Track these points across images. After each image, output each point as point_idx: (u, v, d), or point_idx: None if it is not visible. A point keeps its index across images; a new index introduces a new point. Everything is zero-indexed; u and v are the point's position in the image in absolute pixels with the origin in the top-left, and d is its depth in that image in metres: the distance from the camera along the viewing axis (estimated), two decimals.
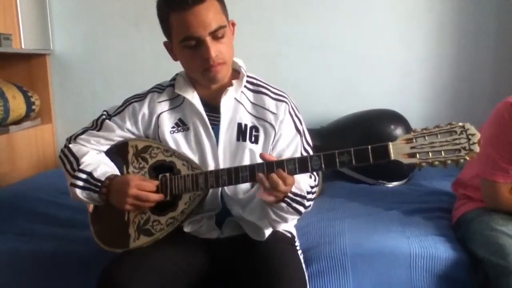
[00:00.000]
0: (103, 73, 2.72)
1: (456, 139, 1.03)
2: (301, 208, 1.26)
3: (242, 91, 1.36)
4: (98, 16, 2.68)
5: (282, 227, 1.39)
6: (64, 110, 2.77)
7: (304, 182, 1.27)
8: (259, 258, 1.27)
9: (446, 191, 2.02)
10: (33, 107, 2.60)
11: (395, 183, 2.27)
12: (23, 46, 2.58)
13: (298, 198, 1.24)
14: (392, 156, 1.06)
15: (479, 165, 1.59)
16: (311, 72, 2.60)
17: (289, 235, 1.42)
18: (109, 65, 2.71)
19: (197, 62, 1.26)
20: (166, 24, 1.28)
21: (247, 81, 1.38)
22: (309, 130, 1.46)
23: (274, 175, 1.14)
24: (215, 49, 1.23)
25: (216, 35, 1.23)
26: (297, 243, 1.45)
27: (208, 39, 1.22)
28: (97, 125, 1.41)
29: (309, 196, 1.29)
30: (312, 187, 1.31)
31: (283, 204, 1.21)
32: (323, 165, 1.12)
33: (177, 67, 1.39)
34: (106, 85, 2.72)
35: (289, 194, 1.20)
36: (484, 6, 2.45)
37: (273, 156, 1.25)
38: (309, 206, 1.31)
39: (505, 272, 1.35)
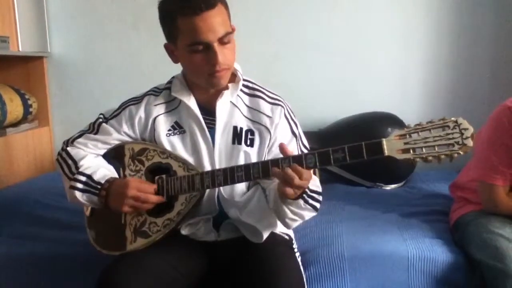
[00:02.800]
0: (101, 76, 2.71)
1: (449, 133, 1.03)
2: (317, 204, 1.26)
3: (238, 95, 1.37)
4: (96, 19, 2.67)
5: (279, 230, 1.39)
6: (62, 112, 2.76)
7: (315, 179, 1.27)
8: (257, 260, 1.27)
9: (443, 193, 2.01)
10: (31, 109, 2.60)
11: (392, 186, 2.27)
12: (20, 49, 2.57)
13: (314, 195, 1.24)
14: (386, 152, 1.06)
15: (477, 168, 1.59)
16: (309, 74, 2.59)
17: (287, 237, 1.42)
18: (106, 68, 2.70)
19: (203, 67, 1.25)
20: (172, 27, 1.25)
21: (243, 85, 1.38)
22: (307, 133, 1.46)
23: (289, 170, 1.12)
24: (222, 55, 1.23)
25: (223, 41, 1.23)
26: (295, 246, 1.45)
27: (216, 45, 1.22)
28: (94, 128, 1.40)
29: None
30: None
31: (301, 201, 1.20)
32: (317, 162, 1.12)
33: (175, 70, 1.39)
34: (104, 87, 2.70)
35: (306, 190, 1.19)
36: (482, 8, 2.44)
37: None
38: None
39: (502, 275, 1.35)
